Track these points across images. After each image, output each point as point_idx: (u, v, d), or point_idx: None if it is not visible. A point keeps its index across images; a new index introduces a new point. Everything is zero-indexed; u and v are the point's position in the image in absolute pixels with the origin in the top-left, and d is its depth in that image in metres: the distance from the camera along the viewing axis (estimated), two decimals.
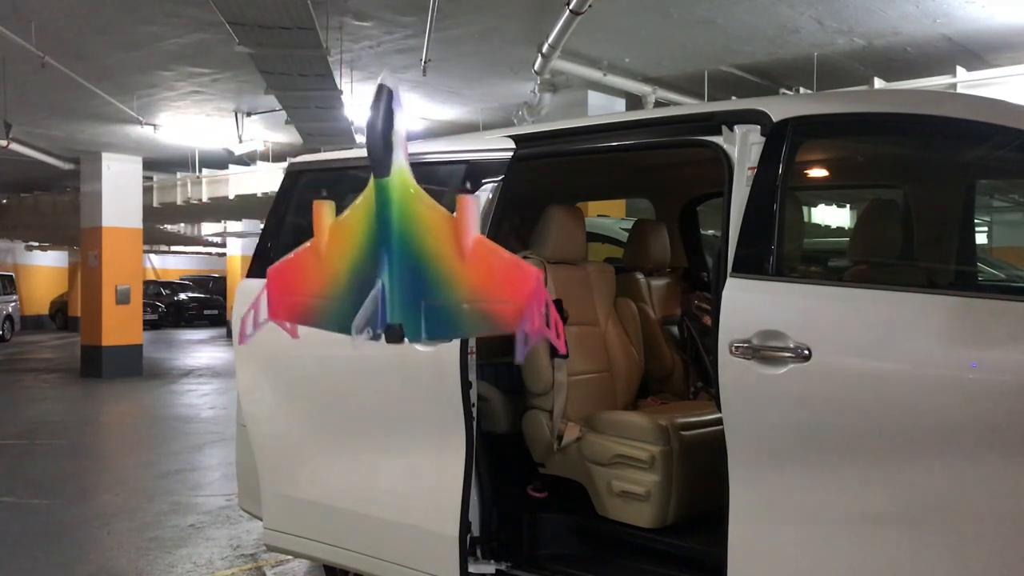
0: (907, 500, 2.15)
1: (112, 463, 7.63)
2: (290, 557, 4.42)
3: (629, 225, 4.60)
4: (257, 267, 3.72)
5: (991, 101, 2.52)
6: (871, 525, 2.20)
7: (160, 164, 14.15)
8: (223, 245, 25.64)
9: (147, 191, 14.37)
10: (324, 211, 1.85)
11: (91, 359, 13.58)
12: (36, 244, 25.80)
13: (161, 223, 20.69)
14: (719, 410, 2.44)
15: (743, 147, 2.53)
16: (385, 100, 1.64)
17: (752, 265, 2.43)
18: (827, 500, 2.26)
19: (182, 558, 4.65)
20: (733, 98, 5.97)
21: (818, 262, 5.83)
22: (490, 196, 2.97)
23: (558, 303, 3.24)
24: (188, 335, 24.03)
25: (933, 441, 2.12)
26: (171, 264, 33.59)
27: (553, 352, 3.31)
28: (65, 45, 7.47)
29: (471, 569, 2.93)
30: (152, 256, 31.02)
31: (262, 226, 4.04)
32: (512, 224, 4.65)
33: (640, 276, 4.14)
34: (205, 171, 13.69)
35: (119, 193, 13.54)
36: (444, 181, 3.11)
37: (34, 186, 17.21)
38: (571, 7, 5.61)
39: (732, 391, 2.39)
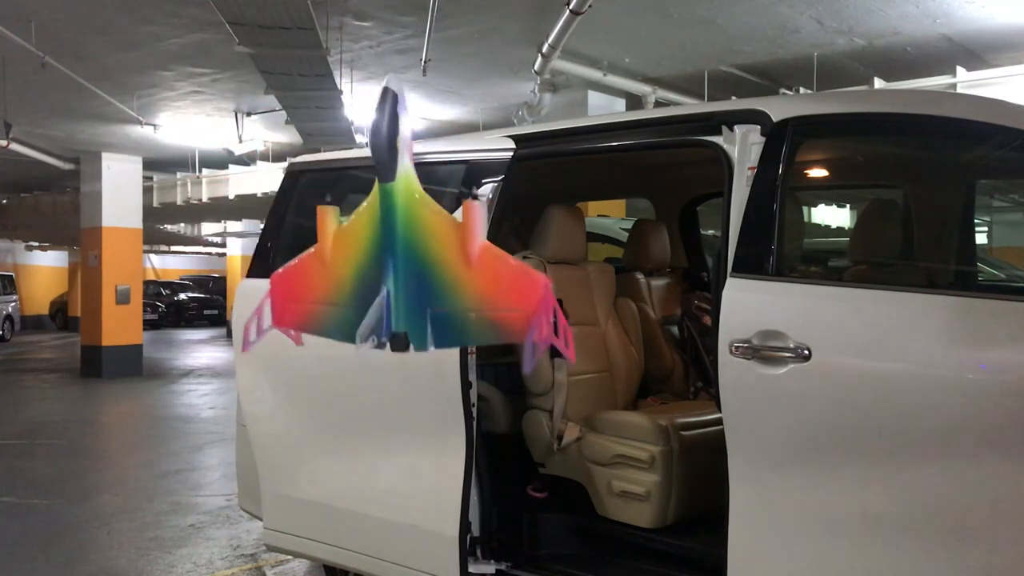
0: (907, 500, 2.15)
1: (112, 463, 7.62)
2: (290, 557, 4.42)
3: (629, 225, 4.60)
4: (257, 267, 3.71)
5: (991, 101, 2.52)
6: (871, 525, 2.20)
7: (160, 164, 14.15)
8: (223, 245, 25.63)
9: (147, 191, 14.37)
10: (328, 216, 1.82)
11: (91, 359, 13.59)
12: (36, 244, 25.81)
13: (161, 223, 20.69)
14: (719, 410, 2.44)
15: (743, 147, 2.53)
16: (390, 104, 1.60)
17: (752, 265, 2.43)
18: (827, 500, 2.26)
19: (182, 558, 4.65)
20: (733, 98, 5.97)
21: (818, 262, 5.82)
22: (490, 196, 2.97)
23: (558, 303, 3.24)
24: (188, 335, 24.03)
25: (933, 441, 2.12)
26: (171, 264, 33.58)
27: (554, 352, 3.30)
28: (65, 45, 7.47)
29: (471, 569, 2.93)
30: (152, 256, 31.01)
31: (262, 226, 4.04)
32: (512, 224, 4.65)
33: (640, 276, 4.14)
34: (205, 171, 13.69)
35: (119, 193, 13.55)
36: (444, 181, 3.11)
37: (34, 186, 17.21)
38: (571, 7, 5.61)
39: (732, 391, 2.39)
